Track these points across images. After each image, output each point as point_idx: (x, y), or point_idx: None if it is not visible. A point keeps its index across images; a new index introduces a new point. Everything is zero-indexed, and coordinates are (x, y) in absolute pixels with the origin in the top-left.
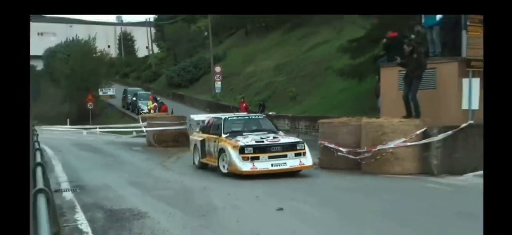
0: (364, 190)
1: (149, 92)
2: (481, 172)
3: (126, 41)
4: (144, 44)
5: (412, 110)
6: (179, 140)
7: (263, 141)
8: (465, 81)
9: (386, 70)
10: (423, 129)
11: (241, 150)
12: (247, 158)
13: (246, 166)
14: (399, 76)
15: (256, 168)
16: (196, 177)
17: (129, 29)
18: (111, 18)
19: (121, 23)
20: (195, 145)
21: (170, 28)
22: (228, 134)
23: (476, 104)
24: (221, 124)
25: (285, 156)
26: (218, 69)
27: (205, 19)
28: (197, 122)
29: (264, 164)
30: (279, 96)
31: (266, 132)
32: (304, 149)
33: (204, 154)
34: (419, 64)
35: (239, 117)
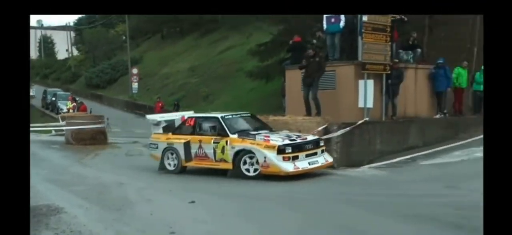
0: (268, 181)
1: (69, 93)
2: (376, 164)
3: (46, 44)
4: (64, 47)
5: (311, 109)
6: (97, 138)
7: (295, 140)
8: (361, 83)
9: (291, 72)
10: (324, 126)
11: (280, 150)
12: (288, 158)
13: (289, 167)
14: (302, 77)
15: (298, 167)
16: (113, 173)
17: (49, 32)
18: (32, 22)
19: (41, 27)
20: (167, 148)
21: (89, 31)
22: (236, 134)
23: (370, 103)
24: (221, 123)
25: (316, 153)
26: (135, 70)
27: (123, 24)
28: (157, 122)
29: (303, 163)
30: (193, 96)
31: (268, 130)
32: (324, 145)
33: (189, 157)
34: (320, 67)
35: (234, 115)
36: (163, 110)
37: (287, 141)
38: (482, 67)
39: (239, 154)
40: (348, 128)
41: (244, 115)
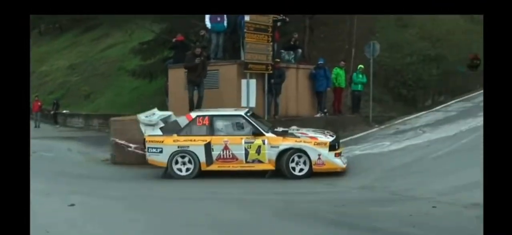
0: (147, 181)
1: None
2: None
3: None
4: None
5: (201, 106)
6: None
7: (333, 136)
8: (244, 82)
9: (173, 71)
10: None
11: (332, 146)
12: (338, 154)
13: (341, 162)
14: (185, 76)
15: (345, 163)
16: None
17: None
18: None
19: None
20: (177, 151)
21: None
22: (270, 133)
23: (253, 102)
24: (249, 121)
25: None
26: None
27: None
28: (155, 123)
29: (344, 159)
30: (73, 94)
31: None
32: None
33: (210, 159)
34: (204, 66)
35: (249, 113)
36: (41, 110)
37: (330, 138)
38: (359, 67)
39: (285, 154)
40: None
41: (250, 112)
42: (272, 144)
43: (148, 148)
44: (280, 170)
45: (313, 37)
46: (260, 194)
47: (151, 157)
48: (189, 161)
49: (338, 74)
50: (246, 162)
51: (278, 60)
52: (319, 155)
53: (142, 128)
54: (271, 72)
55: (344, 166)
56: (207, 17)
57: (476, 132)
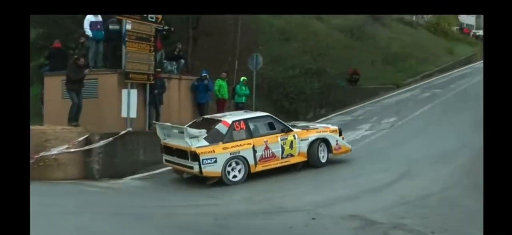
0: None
1: None
2: (139, 175)
3: None
4: None
5: (79, 116)
6: None
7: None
8: (124, 92)
9: (50, 79)
10: (85, 136)
11: (340, 132)
12: (344, 138)
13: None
14: (62, 85)
15: None
16: None
17: None
18: None
19: None
20: (229, 158)
21: None
22: (295, 128)
23: (134, 112)
24: (278, 120)
25: None
26: None
27: None
28: (201, 134)
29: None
30: None
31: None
32: None
33: (255, 161)
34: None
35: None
36: None
37: (333, 126)
38: (242, 79)
39: (313, 144)
40: (110, 139)
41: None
42: (301, 137)
43: (202, 160)
44: (309, 161)
45: (196, 47)
46: (142, 207)
47: (206, 169)
48: (239, 167)
49: (221, 85)
50: (282, 158)
51: (159, 70)
52: (336, 141)
53: (188, 141)
54: (152, 82)
55: (351, 147)
56: (86, 24)
57: (354, 145)
